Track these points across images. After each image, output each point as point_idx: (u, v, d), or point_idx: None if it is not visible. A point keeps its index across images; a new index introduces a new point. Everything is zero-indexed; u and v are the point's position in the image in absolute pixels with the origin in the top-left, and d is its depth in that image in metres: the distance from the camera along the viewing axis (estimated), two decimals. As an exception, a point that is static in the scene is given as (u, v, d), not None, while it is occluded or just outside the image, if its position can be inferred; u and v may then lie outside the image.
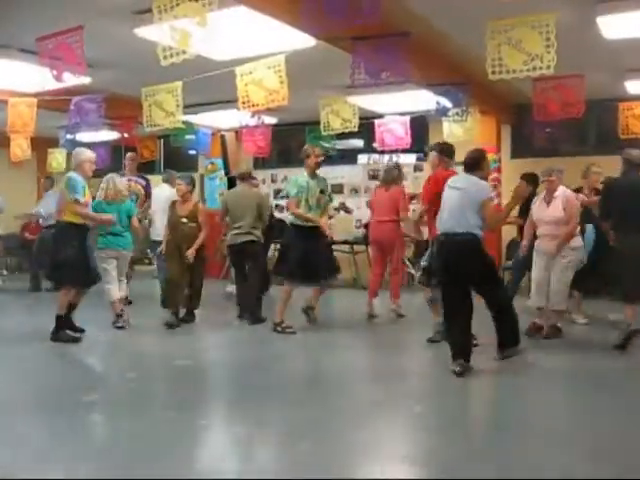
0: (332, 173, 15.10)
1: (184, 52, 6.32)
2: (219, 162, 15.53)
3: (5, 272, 14.86)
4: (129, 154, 11.86)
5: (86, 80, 8.89)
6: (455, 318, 6.57)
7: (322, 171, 15.03)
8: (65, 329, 8.05)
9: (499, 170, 12.36)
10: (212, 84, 8.63)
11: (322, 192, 8.62)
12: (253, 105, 7.73)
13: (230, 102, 9.65)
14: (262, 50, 7.81)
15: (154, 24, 6.24)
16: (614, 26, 7.72)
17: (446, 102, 10.16)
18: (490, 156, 12.03)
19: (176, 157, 17.28)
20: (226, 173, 15.17)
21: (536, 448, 4.48)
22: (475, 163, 6.83)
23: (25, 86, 9.96)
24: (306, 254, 8.36)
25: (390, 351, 7.72)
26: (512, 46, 6.63)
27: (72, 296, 8.08)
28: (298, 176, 8.72)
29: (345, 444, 4.63)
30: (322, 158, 8.71)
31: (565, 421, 5.22)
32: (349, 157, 15.02)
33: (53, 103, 9.79)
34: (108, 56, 9.29)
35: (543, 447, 4.50)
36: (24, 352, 7.64)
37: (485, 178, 6.94)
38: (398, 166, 10.28)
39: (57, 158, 14.43)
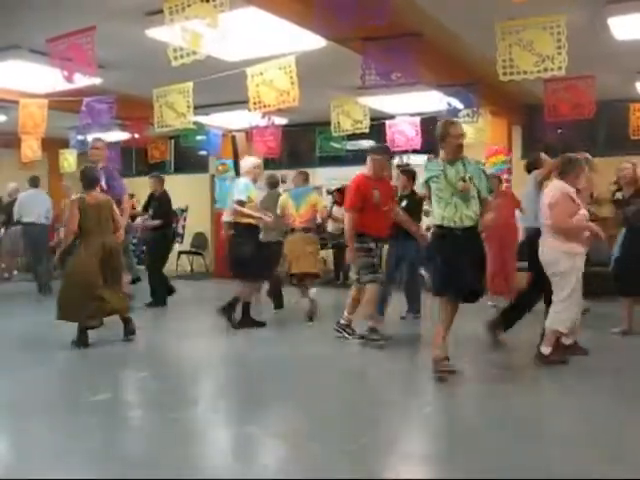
0: (343, 174, 15.16)
1: (195, 53, 6.35)
2: (230, 163, 15.53)
3: (16, 272, 14.90)
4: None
5: (97, 81, 8.93)
6: None
7: (332, 172, 15.23)
8: (249, 317, 9.04)
9: (510, 171, 12.33)
10: (223, 85, 8.65)
11: (470, 179, 6.39)
12: (264, 106, 7.74)
13: (241, 103, 9.66)
14: (273, 51, 7.83)
15: (165, 25, 6.27)
16: (625, 27, 7.72)
17: (457, 103, 10.15)
18: (500, 157, 12.11)
19: (187, 158, 17.35)
20: (237, 174, 15.17)
21: (551, 449, 4.48)
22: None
23: (36, 87, 10.01)
24: (456, 263, 6.27)
25: (406, 351, 7.72)
26: (523, 47, 6.63)
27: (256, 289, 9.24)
28: (434, 160, 6.91)
29: (355, 444, 4.63)
30: (463, 138, 6.67)
31: (582, 423, 5.21)
32: (360, 158, 14.97)
33: (64, 104, 9.83)
34: (119, 57, 9.34)
35: (559, 448, 4.50)
36: (34, 354, 7.67)
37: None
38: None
39: (68, 159, 14.51)
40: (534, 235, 7.17)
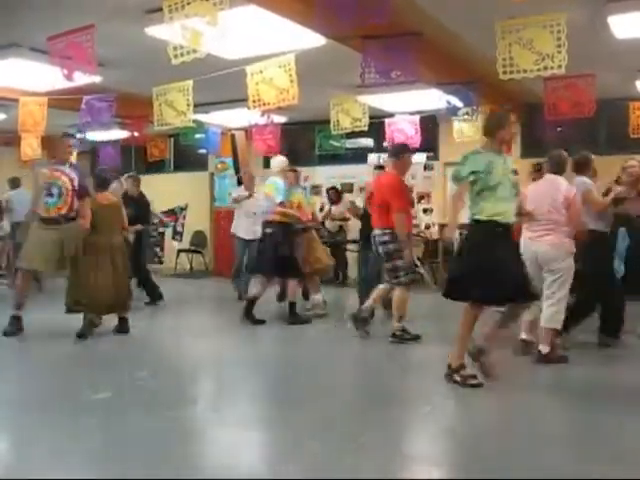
0: (342, 172, 15.16)
1: (195, 51, 6.34)
2: (229, 161, 15.53)
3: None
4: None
5: (97, 79, 8.91)
6: None
7: (331, 171, 15.24)
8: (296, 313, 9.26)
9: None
10: (223, 83, 8.63)
11: (515, 172, 6.12)
12: (264, 104, 7.74)
13: (240, 101, 9.65)
14: (272, 49, 7.82)
15: (165, 23, 6.26)
16: (625, 25, 7.70)
17: (456, 101, 10.14)
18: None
19: (186, 156, 17.34)
20: (236, 172, 15.17)
21: (551, 449, 4.48)
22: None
23: (36, 85, 9.99)
24: (497, 265, 5.73)
25: (405, 349, 7.72)
26: (523, 46, 6.63)
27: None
28: (474, 151, 6.05)
29: (354, 443, 4.63)
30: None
31: (582, 422, 5.21)
32: (359, 156, 14.98)
33: (64, 102, 9.83)
34: (119, 55, 9.32)
35: (559, 448, 4.50)
36: (33, 352, 7.67)
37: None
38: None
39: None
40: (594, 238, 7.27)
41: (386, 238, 7.85)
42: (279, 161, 9.53)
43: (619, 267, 7.86)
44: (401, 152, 8.20)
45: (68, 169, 8.05)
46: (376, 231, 7.97)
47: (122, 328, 8.26)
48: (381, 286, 8.17)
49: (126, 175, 11.43)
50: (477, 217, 5.87)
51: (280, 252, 8.99)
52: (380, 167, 9.59)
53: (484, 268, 5.71)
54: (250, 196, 10.82)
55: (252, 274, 9.94)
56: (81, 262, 7.96)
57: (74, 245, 7.88)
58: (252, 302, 9.15)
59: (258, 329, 8.84)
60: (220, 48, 7.95)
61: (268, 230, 9.11)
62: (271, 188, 9.22)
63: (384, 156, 14.34)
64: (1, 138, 14.75)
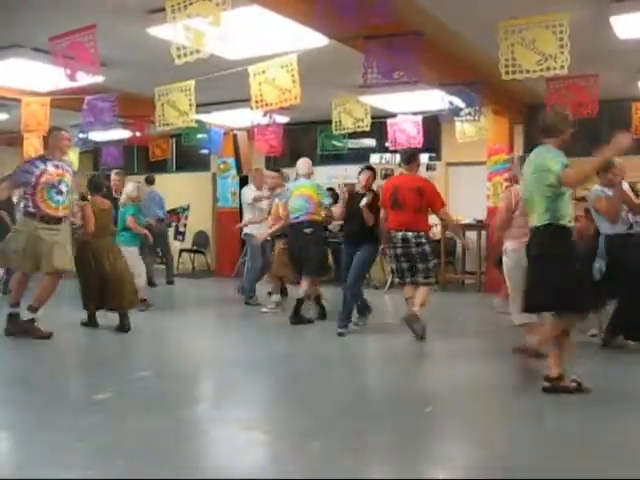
0: (344, 172, 15.13)
1: (198, 51, 6.33)
2: (231, 161, 15.52)
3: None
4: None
5: (99, 79, 8.92)
6: None
7: (333, 171, 15.22)
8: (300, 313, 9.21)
9: (511, 170, 12.28)
10: (225, 83, 8.64)
11: None
12: (266, 104, 7.74)
13: (243, 101, 9.66)
14: (275, 49, 7.82)
15: (167, 23, 6.26)
16: (628, 26, 7.69)
17: (459, 102, 10.13)
18: (502, 156, 12.07)
19: (189, 156, 17.34)
20: (238, 172, 15.15)
21: (551, 448, 4.47)
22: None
23: (38, 85, 10.00)
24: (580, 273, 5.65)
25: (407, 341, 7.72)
26: (525, 46, 6.62)
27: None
28: (550, 148, 5.55)
29: (354, 443, 4.62)
30: None
31: (582, 422, 5.20)
32: (361, 157, 14.97)
33: (66, 102, 9.84)
34: (121, 55, 9.32)
35: (559, 448, 4.49)
36: (35, 351, 7.67)
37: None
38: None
39: (70, 157, 14.48)
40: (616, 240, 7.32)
41: (423, 240, 8.03)
42: (309, 163, 9.67)
43: (601, 267, 7.71)
44: (414, 156, 8.59)
45: (66, 165, 8.05)
46: (409, 234, 7.97)
47: (123, 327, 8.27)
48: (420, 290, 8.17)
49: (113, 172, 11.37)
50: (562, 222, 5.48)
51: (320, 252, 9.27)
52: (368, 168, 9.44)
53: (576, 275, 5.51)
54: (269, 197, 10.72)
55: (303, 275, 9.54)
56: (82, 263, 8.14)
57: (71, 245, 8.10)
58: (317, 300, 9.56)
59: (258, 329, 8.85)
60: (223, 48, 7.94)
61: (308, 230, 9.15)
62: (312, 190, 9.34)
63: (386, 156, 14.42)
64: (4, 138, 14.77)
